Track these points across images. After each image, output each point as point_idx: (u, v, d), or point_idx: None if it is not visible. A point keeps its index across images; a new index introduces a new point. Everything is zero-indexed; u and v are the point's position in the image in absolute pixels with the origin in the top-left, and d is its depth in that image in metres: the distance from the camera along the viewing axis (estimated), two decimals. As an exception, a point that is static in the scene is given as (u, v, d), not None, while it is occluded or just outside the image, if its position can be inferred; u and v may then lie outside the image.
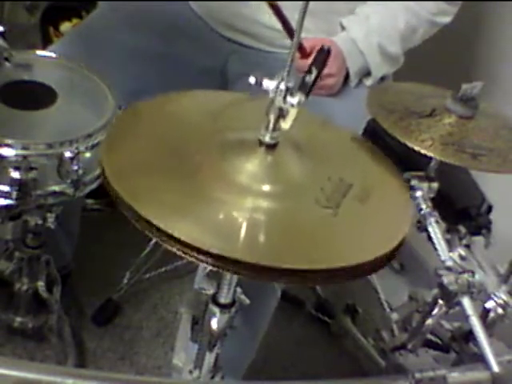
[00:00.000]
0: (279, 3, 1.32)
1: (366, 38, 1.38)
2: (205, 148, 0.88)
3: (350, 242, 0.84)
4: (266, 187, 0.83)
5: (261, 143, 0.86)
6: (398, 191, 0.93)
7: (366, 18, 1.39)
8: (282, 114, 0.83)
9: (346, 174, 0.89)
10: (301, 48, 1.32)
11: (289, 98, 0.82)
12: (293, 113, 0.82)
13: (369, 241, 0.84)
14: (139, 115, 0.96)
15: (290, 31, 1.31)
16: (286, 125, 0.83)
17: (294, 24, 0.82)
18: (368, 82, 1.43)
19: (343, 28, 1.40)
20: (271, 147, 0.86)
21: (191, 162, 0.86)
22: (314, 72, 0.83)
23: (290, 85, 0.82)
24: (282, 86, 0.82)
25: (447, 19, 1.43)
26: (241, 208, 0.81)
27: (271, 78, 0.83)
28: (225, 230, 0.78)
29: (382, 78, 1.46)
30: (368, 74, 1.42)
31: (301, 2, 0.79)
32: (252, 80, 0.84)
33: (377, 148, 0.99)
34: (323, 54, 0.84)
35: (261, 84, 0.83)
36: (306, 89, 0.83)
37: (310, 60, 1.31)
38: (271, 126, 0.84)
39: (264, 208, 0.82)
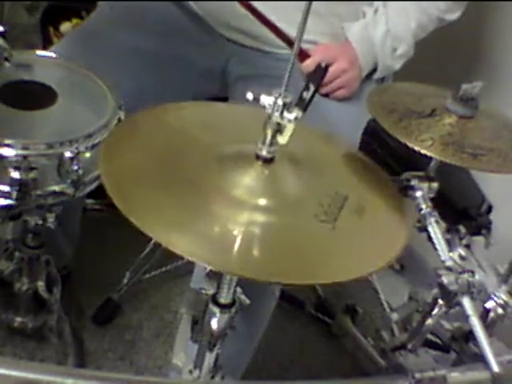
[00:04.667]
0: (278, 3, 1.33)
1: (382, 41, 1.39)
2: (202, 161, 0.88)
3: (349, 255, 0.84)
4: (263, 201, 0.83)
5: (258, 157, 0.85)
6: (393, 204, 0.92)
7: (382, 19, 1.40)
8: (279, 129, 0.83)
9: (341, 188, 0.89)
10: (301, 51, 1.32)
11: (286, 114, 0.82)
12: (290, 128, 0.82)
13: (367, 254, 0.84)
14: (136, 127, 0.96)
15: (269, 25, 1.33)
16: (283, 140, 0.83)
17: (295, 26, 0.81)
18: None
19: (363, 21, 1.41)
20: (268, 161, 0.86)
21: (188, 175, 0.86)
22: (312, 88, 0.83)
23: (288, 100, 0.82)
24: (280, 102, 0.82)
25: (455, 16, 1.44)
26: (237, 222, 0.81)
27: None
28: (220, 243, 0.78)
29: (383, 79, 1.47)
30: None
31: (303, 3, 0.79)
32: (250, 96, 0.84)
33: (372, 162, 0.99)
34: (320, 71, 0.84)
35: (258, 100, 0.83)
36: (304, 104, 0.83)
37: (311, 59, 1.34)
38: (268, 140, 0.84)
39: (261, 222, 0.82)
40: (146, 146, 0.91)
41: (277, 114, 0.82)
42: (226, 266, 0.74)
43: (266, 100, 0.82)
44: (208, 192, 0.83)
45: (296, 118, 0.82)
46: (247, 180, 0.85)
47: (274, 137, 0.83)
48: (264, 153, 0.85)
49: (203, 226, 0.80)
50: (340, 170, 0.98)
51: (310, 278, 0.77)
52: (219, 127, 0.98)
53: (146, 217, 0.78)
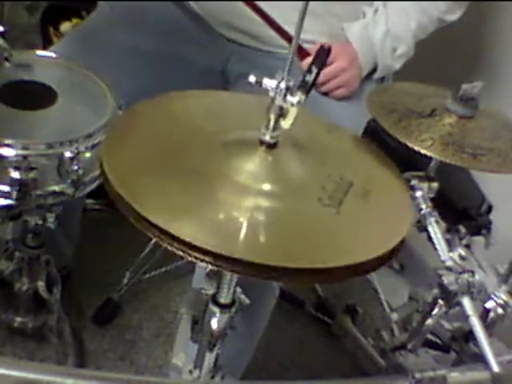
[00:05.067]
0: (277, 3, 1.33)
1: (382, 41, 1.40)
2: (205, 148, 0.88)
3: (354, 239, 0.84)
4: (267, 187, 0.83)
5: (261, 143, 0.85)
6: (398, 189, 0.93)
7: (382, 19, 1.40)
8: (282, 114, 0.83)
9: (346, 173, 0.89)
10: (301, 50, 1.33)
11: (289, 97, 0.82)
12: (293, 112, 0.82)
13: (372, 238, 0.84)
14: (139, 115, 0.96)
15: (272, 25, 1.33)
16: (286, 124, 0.83)
17: (292, 24, 0.81)
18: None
19: (364, 22, 1.42)
20: (271, 146, 0.86)
21: (191, 162, 0.86)
22: (314, 71, 0.83)
23: (291, 84, 0.82)
24: (283, 85, 0.82)
25: (455, 16, 1.44)
26: (242, 208, 0.81)
27: (271, 77, 0.83)
28: (226, 229, 0.78)
29: (383, 79, 1.47)
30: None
31: (301, 2, 0.79)
32: (252, 79, 0.84)
33: (377, 147, 0.99)
34: (323, 53, 0.84)
35: (261, 83, 0.83)
36: (307, 88, 0.83)
37: (310, 57, 1.34)
38: (271, 125, 0.84)
39: (265, 207, 0.82)
40: (149, 135, 0.91)
41: (280, 97, 0.82)
42: (232, 252, 0.74)
43: (269, 83, 0.82)
44: (212, 179, 0.83)
45: (299, 102, 0.82)
46: (251, 166, 0.85)
47: (277, 121, 0.83)
48: (267, 138, 0.85)
49: (208, 213, 0.80)
50: (344, 155, 0.98)
51: (315, 261, 0.77)
52: (223, 115, 0.98)
53: (151, 204, 0.77)
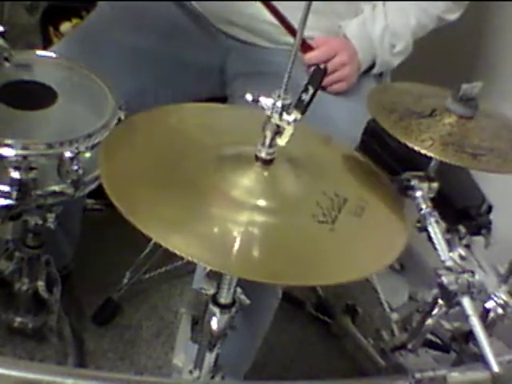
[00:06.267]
0: (279, 2, 1.33)
1: (380, 37, 1.40)
2: (202, 162, 0.88)
3: (348, 257, 0.84)
4: (262, 202, 0.83)
5: (257, 158, 0.86)
6: (392, 205, 0.92)
7: (381, 15, 1.40)
8: (278, 131, 0.83)
9: (340, 189, 0.89)
10: (303, 43, 1.33)
11: (285, 116, 0.82)
12: (289, 130, 0.82)
13: (366, 255, 0.84)
14: (135, 128, 0.96)
15: (288, 27, 1.32)
16: (282, 142, 0.83)
17: (294, 23, 0.81)
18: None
19: (362, 20, 1.42)
20: (267, 162, 0.86)
21: (187, 176, 0.86)
22: (311, 90, 0.83)
23: (287, 102, 0.82)
24: (279, 104, 0.82)
25: (455, 16, 1.45)
26: (236, 223, 0.81)
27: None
28: (220, 244, 0.78)
29: (381, 74, 1.47)
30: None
31: (303, 2, 0.79)
32: (249, 97, 0.84)
33: (372, 164, 0.99)
34: (319, 74, 0.84)
35: (258, 101, 0.83)
36: (303, 107, 0.83)
37: (314, 51, 1.35)
38: (267, 142, 0.84)
39: (260, 223, 0.82)
40: (145, 147, 0.91)
41: (276, 115, 0.82)
42: (226, 267, 0.74)
43: (266, 101, 0.83)
44: (208, 193, 0.83)
45: (295, 120, 0.82)
46: (246, 181, 0.85)
47: (273, 139, 0.84)
48: (263, 154, 0.85)
49: (203, 227, 0.80)
50: (339, 172, 0.98)
51: (309, 279, 0.77)
52: (219, 129, 0.98)
53: (146, 217, 0.78)
